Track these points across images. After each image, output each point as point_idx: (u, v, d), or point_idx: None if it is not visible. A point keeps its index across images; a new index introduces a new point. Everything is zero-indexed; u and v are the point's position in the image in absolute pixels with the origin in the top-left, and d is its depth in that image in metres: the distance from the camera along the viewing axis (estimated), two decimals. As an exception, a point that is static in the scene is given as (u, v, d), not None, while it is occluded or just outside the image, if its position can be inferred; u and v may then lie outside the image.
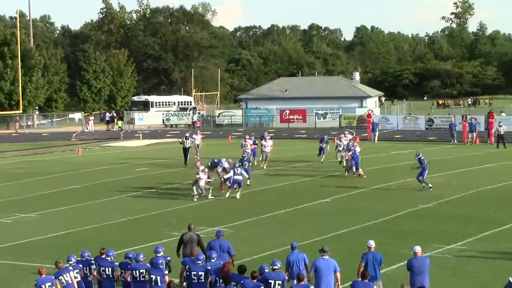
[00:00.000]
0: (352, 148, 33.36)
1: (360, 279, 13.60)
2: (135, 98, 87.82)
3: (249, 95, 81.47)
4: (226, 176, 28.92)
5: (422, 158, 29.33)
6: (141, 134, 61.32)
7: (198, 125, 69.57)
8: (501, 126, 46.56)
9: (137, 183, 33.32)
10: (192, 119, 71.72)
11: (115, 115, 79.22)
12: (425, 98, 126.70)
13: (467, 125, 50.13)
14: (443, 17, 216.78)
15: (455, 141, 49.70)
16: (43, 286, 13.95)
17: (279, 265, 14.05)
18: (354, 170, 33.10)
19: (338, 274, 14.46)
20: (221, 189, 29.33)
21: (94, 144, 56.71)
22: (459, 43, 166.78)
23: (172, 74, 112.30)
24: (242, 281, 13.61)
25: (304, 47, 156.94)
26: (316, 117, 67.40)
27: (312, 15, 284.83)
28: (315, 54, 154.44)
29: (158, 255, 15.11)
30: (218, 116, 73.01)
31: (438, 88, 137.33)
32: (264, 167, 36.76)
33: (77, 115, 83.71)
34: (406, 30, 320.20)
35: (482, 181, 31.70)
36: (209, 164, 30.40)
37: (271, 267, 14.01)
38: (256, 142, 38.54)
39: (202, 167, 28.54)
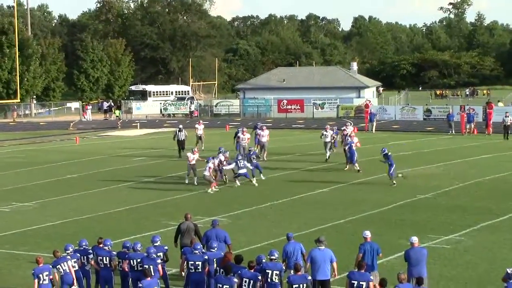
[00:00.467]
0: (349, 142, 32.86)
1: (356, 269, 13.61)
2: (133, 88, 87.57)
3: (247, 85, 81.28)
4: (226, 168, 28.81)
5: (388, 154, 28.73)
6: (138, 124, 61.22)
7: (196, 115, 69.47)
8: (508, 116, 45.59)
9: (134, 173, 33.32)
10: (190, 108, 71.67)
11: (112, 104, 79.16)
12: (420, 88, 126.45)
13: (465, 115, 50.06)
14: (441, 8, 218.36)
15: (453, 131, 49.60)
16: (40, 275, 13.97)
17: (276, 255, 14.06)
18: (349, 163, 32.33)
19: (335, 264, 14.46)
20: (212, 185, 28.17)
21: (91, 133, 56.60)
22: (457, 33, 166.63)
23: (169, 63, 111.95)
24: (239, 271, 13.58)
25: (302, 37, 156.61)
26: (314, 107, 67.33)
27: (310, 5, 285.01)
28: (312, 44, 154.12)
29: (155, 244, 15.11)
30: (215, 106, 72.94)
31: (436, 78, 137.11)
32: (265, 158, 36.43)
33: (75, 105, 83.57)
34: (404, 20, 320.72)
35: (480, 172, 31.72)
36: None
37: (268, 257, 14.02)
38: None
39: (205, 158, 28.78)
